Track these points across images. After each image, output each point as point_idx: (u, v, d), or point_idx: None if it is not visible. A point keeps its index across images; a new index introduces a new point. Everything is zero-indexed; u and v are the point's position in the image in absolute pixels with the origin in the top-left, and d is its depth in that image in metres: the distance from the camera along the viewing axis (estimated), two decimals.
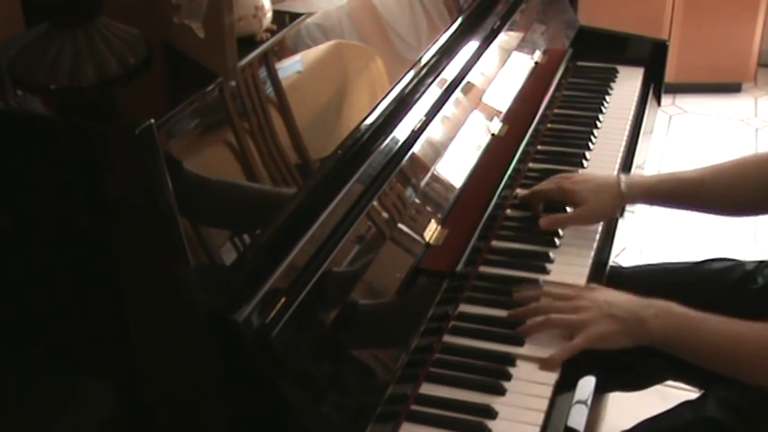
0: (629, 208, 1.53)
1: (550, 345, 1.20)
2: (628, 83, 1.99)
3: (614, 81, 1.99)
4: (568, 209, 1.47)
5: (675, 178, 1.46)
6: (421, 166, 1.29)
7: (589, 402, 1.16)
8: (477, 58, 1.57)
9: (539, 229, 1.46)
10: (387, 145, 1.23)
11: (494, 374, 1.16)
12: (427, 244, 1.22)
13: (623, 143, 1.75)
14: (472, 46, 1.59)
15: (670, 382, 1.60)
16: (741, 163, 1.43)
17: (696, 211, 1.51)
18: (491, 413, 1.10)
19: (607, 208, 1.46)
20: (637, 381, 1.57)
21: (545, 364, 1.17)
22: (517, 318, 1.25)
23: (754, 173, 1.40)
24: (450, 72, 1.48)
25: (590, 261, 1.40)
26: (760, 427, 1.15)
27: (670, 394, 1.85)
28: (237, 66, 1.03)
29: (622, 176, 1.46)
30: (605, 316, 1.19)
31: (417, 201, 1.25)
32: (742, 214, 1.55)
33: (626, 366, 1.41)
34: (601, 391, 1.29)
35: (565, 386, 1.16)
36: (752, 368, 1.16)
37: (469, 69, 1.53)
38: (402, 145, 1.27)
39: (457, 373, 1.16)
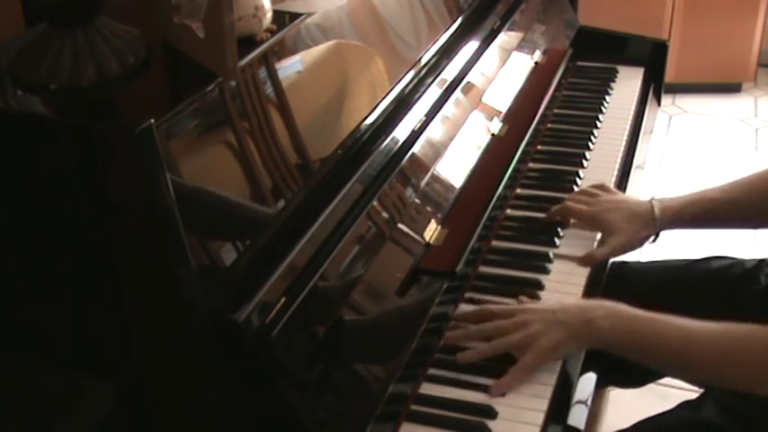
0: None
1: None
2: (628, 83, 1.99)
3: (614, 81, 1.99)
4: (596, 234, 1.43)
5: (706, 198, 1.41)
6: (421, 166, 1.29)
7: (589, 402, 1.16)
8: (477, 58, 1.57)
9: (539, 228, 1.46)
10: (387, 145, 1.23)
11: (494, 374, 1.16)
12: (427, 244, 1.22)
13: (623, 143, 1.76)
14: (472, 46, 1.59)
15: (670, 381, 1.60)
16: None
17: (730, 228, 1.46)
18: (491, 413, 1.10)
19: (640, 236, 1.42)
20: (635, 377, 1.56)
21: (495, 387, 1.11)
22: (456, 342, 1.18)
23: None
24: (450, 72, 1.48)
25: None
26: None
27: (669, 394, 1.85)
28: (237, 66, 1.03)
29: (655, 201, 1.42)
30: (551, 324, 1.13)
31: (417, 201, 1.25)
32: None
33: (624, 362, 1.40)
34: (599, 386, 1.27)
35: (565, 385, 1.16)
36: (702, 371, 1.12)
37: (469, 69, 1.53)
38: (402, 145, 1.27)
39: (457, 373, 1.16)
